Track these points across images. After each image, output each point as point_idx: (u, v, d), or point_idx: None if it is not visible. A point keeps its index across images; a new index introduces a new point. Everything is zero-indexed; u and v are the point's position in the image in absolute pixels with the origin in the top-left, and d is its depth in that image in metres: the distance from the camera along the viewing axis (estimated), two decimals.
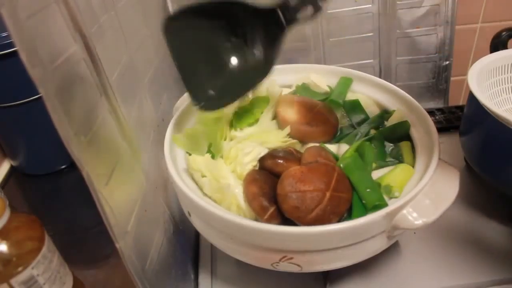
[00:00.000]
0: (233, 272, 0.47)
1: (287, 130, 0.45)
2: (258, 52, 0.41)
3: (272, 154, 0.41)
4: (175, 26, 0.39)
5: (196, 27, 0.41)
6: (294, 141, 0.45)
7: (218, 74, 0.41)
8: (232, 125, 0.47)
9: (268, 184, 0.39)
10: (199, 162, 0.41)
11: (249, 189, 0.38)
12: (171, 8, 0.62)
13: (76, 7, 0.28)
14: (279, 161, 0.40)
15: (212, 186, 0.39)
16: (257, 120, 0.47)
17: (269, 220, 0.36)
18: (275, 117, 0.48)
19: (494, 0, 0.73)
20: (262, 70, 0.40)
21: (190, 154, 0.43)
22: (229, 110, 0.47)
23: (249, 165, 0.41)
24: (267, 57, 0.40)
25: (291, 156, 0.41)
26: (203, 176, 0.40)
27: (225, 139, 0.45)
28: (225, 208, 0.38)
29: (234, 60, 0.42)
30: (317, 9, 0.35)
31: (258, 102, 0.49)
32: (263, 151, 0.42)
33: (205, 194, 0.40)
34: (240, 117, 0.47)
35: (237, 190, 0.39)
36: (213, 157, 0.43)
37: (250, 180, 0.39)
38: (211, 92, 0.40)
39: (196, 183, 0.41)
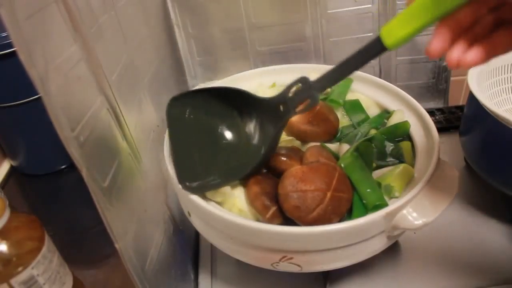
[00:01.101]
0: (233, 272, 0.47)
1: None
2: (254, 141, 0.42)
3: (275, 152, 0.41)
4: (178, 106, 0.42)
5: (197, 110, 0.42)
6: (289, 138, 0.45)
7: (210, 160, 0.42)
8: None
9: (269, 183, 0.39)
10: None
11: (251, 188, 0.38)
12: (171, 8, 0.62)
13: (76, 7, 0.28)
14: (283, 158, 0.40)
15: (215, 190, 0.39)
16: None
17: (271, 220, 0.36)
18: None
19: None
20: (255, 159, 0.40)
21: None
22: None
23: None
24: (260, 147, 0.41)
25: (294, 153, 0.41)
26: None
27: None
28: (226, 210, 0.38)
29: (229, 145, 0.43)
30: (315, 102, 0.36)
31: None
32: None
33: (206, 196, 0.40)
34: None
35: (238, 192, 0.39)
36: None
37: (252, 180, 0.39)
38: (199, 175, 0.40)
39: None
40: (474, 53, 0.27)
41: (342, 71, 0.34)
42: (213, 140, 0.43)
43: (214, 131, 0.43)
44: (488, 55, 0.27)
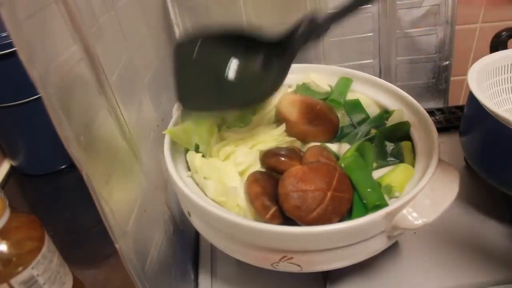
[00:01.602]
0: (233, 272, 0.47)
1: (282, 127, 0.45)
2: (261, 72, 0.43)
3: (274, 152, 0.41)
4: (186, 46, 0.42)
5: (205, 48, 0.43)
6: (291, 139, 0.45)
7: (214, 87, 0.43)
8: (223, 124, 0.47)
9: (270, 183, 0.39)
10: (204, 164, 0.41)
11: (251, 188, 0.38)
12: (171, 8, 0.62)
13: (76, 7, 0.28)
14: (282, 158, 0.40)
15: (216, 190, 0.39)
16: (247, 123, 0.47)
17: (271, 220, 0.36)
18: (274, 121, 0.48)
19: (494, 0, 0.73)
20: (262, 91, 0.42)
21: (188, 151, 0.44)
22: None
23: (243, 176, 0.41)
24: (270, 80, 0.42)
25: (294, 154, 0.41)
26: (206, 178, 0.40)
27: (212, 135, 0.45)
28: (226, 209, 0.38)
29: (236, 80, 0.43)
30: (319, 36, 0.38)
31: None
32: (256, 164, 0.43)
33: (207, 197, 0.39)
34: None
35: (239, 191, 0.39)
36: (204, 156, 0.43)
37: (252, 180, 0.39)
38: (202, 96, 0.42)
39: (197, 184, 0.41)
40: None
41: (348, 8, 0.36)
42: (220, 77, 0.43)
43: (221, 69, 0.44)
44: None
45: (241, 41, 0.43)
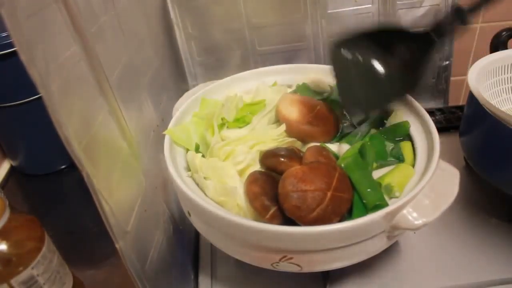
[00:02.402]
0: (233, 272, 0.47)
1: (282, 128, 0.45)
2: (409, 68, 0.45)
3: (274, 152, 0.41)
4: (339, 52, 0.46)
5: (356, 50, 0.46)
6: (291, 139, 0.45)
7: (371, 91, 0.47)
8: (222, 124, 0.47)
9: (269, 184, 0.39)
10: (204, 164, 0.41)
11: (251, 189, 0.38)
12: (171, 8, 0.62)
13: (76, 7, 0.28)
14: (282, 159, 0.40)
15: (216, 190, 0.39)
16: (247, 123, 0.47)
17: (270, 220, 0.36)
18: (274, 121, 0.48)
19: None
20: (411, 83, 0.45)
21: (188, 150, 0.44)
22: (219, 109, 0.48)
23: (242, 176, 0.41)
24: (417, 72, 0.45)
25: (294, 154, 0.41)
26: (206, 178, 0.40)
27: (212, 135, 0.45)
28: (226, 210, 0.38)
29: (387, 77, 0.46)
30: (465, 23, 0.41)
31: (250, 107, 0.49)
32: (256, 163, 0.43)
33: (207, 197, 0.40)
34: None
35: (239, 191, 0.39)
36: (203, 156, 0.43)
37: (251, 180, 0.39)
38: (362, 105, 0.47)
39: (197, 184, 0.41)
40: None
41: None
42: (371, 76, 0.46)
43: (371, 68, 0.46)
44: None
45: (383, 37, 0.45)
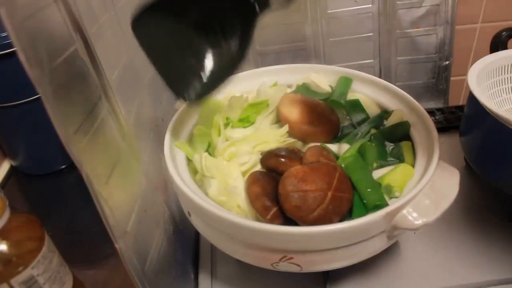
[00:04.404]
0: (233, 272, 0.47)
1: (285, 128, 0.45)
2: (233, 41, 0.40)
3: (275, 153, 0.41)
4: (144, 23, 0.38)
5: (165, 20, 0.39)
6: (293, 140, 0.45)
7: (194, 67, 0.41)
8: (227, 123, 0.47)
9: (270, 184, 0.39)
10: (209, 163, 0.41)
11: (252, 189, 0.38)
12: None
13: (76, 7, 0.28)
14: (282, 159, 0.40)
15: (219, 189, 0.39)
16: (251, 123, 0.47)
17: (271, 220, 0.36)
18: (276, 121, 0.48)
19: (494, 0, 0.73)
20: (237, 57, 0.40)
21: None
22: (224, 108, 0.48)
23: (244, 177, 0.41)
24: (241, 45, 0.40)
25: (294, 155, 0.41)
26: (212, 177, 0.40)
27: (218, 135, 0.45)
28: (226, 210, 0.38)
29: (209, 52, 0.41)
30: None
31: (254, 106, 0.49)
32: (259, 163, 0.43)
33: (208, 196, 0.39)
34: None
35: (239, 191, 0.39)
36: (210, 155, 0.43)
37: (252, 180, 0.39)
38: (190, 84, 0.40)
39: (197, 183, 0.41)
40: None
41: None
42: (189, 49, 0.41)
43: (188, 41, 0.41)
44: None
45: (198, 4, 0.39)
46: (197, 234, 0.52)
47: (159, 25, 0.38)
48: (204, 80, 0.40)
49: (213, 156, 0.44)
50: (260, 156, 0.42)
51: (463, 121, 0.53)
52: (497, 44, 0.58)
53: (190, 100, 0.40)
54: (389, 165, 0.42)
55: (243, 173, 0.41)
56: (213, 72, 0.40)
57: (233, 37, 0.40)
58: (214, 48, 0.41)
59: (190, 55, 0.40)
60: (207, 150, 0.44)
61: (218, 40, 0.40)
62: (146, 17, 0.37)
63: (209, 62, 0.40)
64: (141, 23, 0.37)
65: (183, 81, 0.40)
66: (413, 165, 0.41)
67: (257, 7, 0.37)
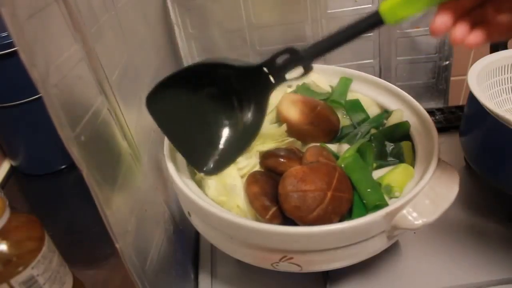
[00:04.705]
0: (233, 272, 0.47)
1: (284, 128, 0.45)
2: (248, 113, 0.41)
3: (274, 153, 0.41)
4: (159, 100, 0.38)
5: (179, 96, 0.39)
6: (291, 139, 0.45)
7: (213, 142, 0.42)
8: None
9: (269, 184, 0.39)
10: None
11: (251, 189, 0.38)
12: (171, 8, 0.62)
13: (76, 7, 0.28)
14: (281, 160, 0.40)
15: (217, 189, 0.39)
16: None
17: (271, 220, 0.36)
18: (276, 121, 0.48)
19: None
20: (254, 127, 0.41)
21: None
22: None
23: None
24: (256, 116, 0.41)
25: (293, 155, 0.41)
26: (209, 178, 0.40)
27: None
28: (226, 210, 0.38)
29: (225, 124, 0.42)
30: (308, 69, 0.36)
31: None
32: (257, 166, 0.43)
33: (208, 196, 0.39)
34: None
35: (239, 191, 0.39)
36: None
37: (251, 180, 0.39)
38: (211, 160, 0.41)
39: (197, 183, 0.41)
40: (476, 34, 0.28)
41: (335, 40, 0.34)
42: (205, 121, 0.42)
43: (204, 113, 0.42)
44: (489, 38, 0.28)
45: (210, 79, 0.40)
46: (197, 234, 0.52)
47: (173, 100, 0.39)
48: (221, 152, 0.41)
49: None
50: (258, 158, 0.42)
51: (463, 121, 0.53)
52: (497, 44, 0.58)
53: (208, 174, 0.40)
54: (389, 165, 0.42)
55: (242, 176, 0.41)
56: (230, 144, 0.41)
57: (249, 108, 0.41)
58: (230, 120, 0.42)
59: (206, 128, 0.42)
60: None
61: (234, 112, 0.42)
62: (161, 93, 0.38)
63: (225, 135, 0.42)
64: (155, 100, 0.38)
65: (201, 155, 0.41)
66: (413, 165, 0.41)
67: (271, 79, 0.38)
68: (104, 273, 0.49)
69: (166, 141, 0.43)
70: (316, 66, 0.55)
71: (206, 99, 0.41)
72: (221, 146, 0.42)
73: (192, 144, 0.41)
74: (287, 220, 0.37)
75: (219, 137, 0.42)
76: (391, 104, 0.49)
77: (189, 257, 0.48)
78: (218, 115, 0.42)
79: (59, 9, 0.27)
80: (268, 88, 0.38)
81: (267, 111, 0.41)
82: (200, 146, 0.41)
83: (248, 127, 0.41)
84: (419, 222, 0.35)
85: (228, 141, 0.42)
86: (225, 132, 0.42)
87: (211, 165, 0.41)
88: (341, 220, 0.37)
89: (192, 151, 0.41)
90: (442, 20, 0.29)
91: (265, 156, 0.42)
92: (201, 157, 0.41)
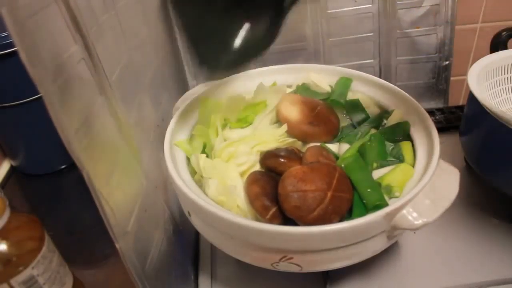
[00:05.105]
0: (233, 272, 0.47)
1: (284, 128, 0.45)
2: (263, 25, 0.42)
3: (274, 153, 0.41)
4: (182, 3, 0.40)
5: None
6: (292, 140, 0.45)
7: (225, 44, 0.42)
8: (225, 124, 0.47)
9: (269, 184, 0.39)
10: (207, 164, 0.41)
11: (251, 189, 0.38)
12: (172, 8, 0.62)
13: (76, 7, 0.28)
14: (282, 160, 0.40)
15: (218, 188, 0.39)
16: (250, 123, 0.47)
17: (271, 220, 0.36)
18: (275, 121, 0.48)
19: (494, 0, 0.73)
20: (266, 41, 0.42)
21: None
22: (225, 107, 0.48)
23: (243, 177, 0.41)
24: (274, 22, 0.41)
25: (293, 155, 0.41)
26: (209, 178, 0.40)
27: (215, 136, 0.45)
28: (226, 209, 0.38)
29: (243, 27, 0.42)
30: None
31: (253, 107, 0.49)
32: (258, 165, 0.43)
33: (208, 196, 0.39)
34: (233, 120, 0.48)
35: (239, 191, 0.39)
36: (208, 157, 0.43)
37: (251, 180, 0.39)
38: (218, 58, 0.42)
39: (197, 183, 0.41)
40: None
41: None
42: (224, 20, 0.42)
43: (223, 21, 0.42)
44: None
45: None
46: (197, 234, 0.52)
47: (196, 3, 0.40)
48: (234, 54, 0.41)
49: (210, 156, 0.44)
50: (259, 157, 0.43)
51: (463, 121, 0.53)
52: (497, 44, 0.58)
53: (217, 71, 0.42)
54: (389, 165, 0.42)
55: (242, 174, 0.41)
56: (245, 47, 0.42)
57: (268, 13, 0.41)
58: (249, 21, 0.42)
59: (224, 28, 0.42)
60: (203, 151, 0.44)
61: (254, 15, 0.42)
62: None
63: (241, 36, 0.42)
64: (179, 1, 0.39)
65: (213, 52, 0.41)
66: (413, 165, 0.41)
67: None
68: (104, 273, 0.49)
69: (166, 141, 0.43)
70: (316, 66, 0.55)
71: (224, 8, 0.42)
72: (236, 47, 0.42)
73: (207, 45, 0.42)
74: (287, 220, 0.37)
75: (232, 40, 0.42)
76: (391, 104, 0.49)
77: (189, 257, 0.48)
78: (237, 17, 0.42)
79: (59, 9, 0.27)
80: (283, 9, 0.40)
81: (285, 20, 0.42)
82: (215, 46, 0.42)
83: (264, 36, 0.42)
84: (419, 222, 0.35)
85: (244, 43, 0.42)
86: (242, 34, 0.42)
87: (221, 65, 0.42)
88: (341, 220, 0.37)
89: (206, 51, 0.42)
90: None
91: (265, 156, 0.42)
92: (213, 57, 0.42)
